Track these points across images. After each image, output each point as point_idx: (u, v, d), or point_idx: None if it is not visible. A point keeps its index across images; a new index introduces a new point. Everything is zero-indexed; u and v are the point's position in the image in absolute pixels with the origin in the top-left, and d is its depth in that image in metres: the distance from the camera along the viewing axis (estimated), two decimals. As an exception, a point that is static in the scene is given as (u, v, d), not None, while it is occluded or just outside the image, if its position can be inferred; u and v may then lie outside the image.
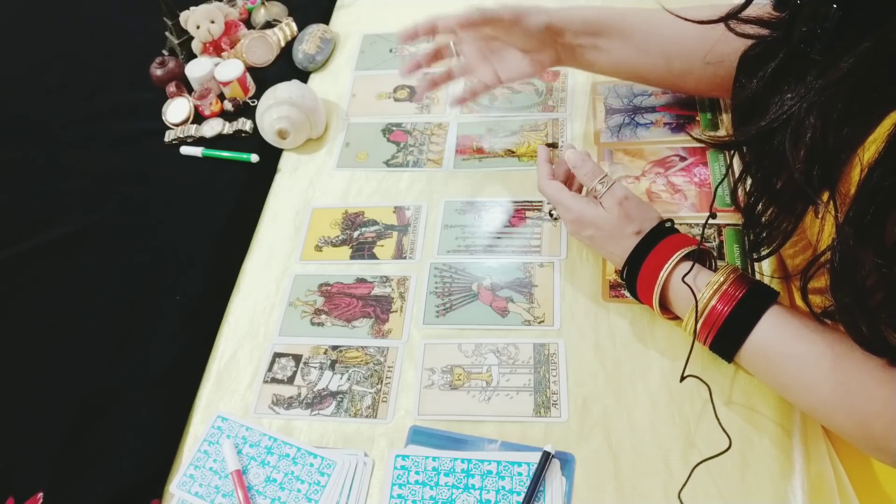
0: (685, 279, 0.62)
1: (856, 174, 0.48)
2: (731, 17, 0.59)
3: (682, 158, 0.82)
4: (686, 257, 0.63)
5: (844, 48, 0.48)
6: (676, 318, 0.66)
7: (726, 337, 0.60)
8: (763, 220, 0.60)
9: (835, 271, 0.50)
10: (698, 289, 0.61)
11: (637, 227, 0.66)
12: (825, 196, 0.50)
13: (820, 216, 0.53)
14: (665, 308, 0.66)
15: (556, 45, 0.79)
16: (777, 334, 0.58)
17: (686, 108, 0.87)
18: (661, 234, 0.65)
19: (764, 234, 0.61)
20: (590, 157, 0.71)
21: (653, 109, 0.88)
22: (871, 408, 0.52)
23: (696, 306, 0.61)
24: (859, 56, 0.47)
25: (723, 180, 0.78)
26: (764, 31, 0.59)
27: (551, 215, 0.79)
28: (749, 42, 0.61)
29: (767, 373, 0.60)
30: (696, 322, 0.61)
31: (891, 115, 0.46)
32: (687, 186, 0.79)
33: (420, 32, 0.77)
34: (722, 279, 0.60)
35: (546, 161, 0.75)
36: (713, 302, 0.60)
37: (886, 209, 0.46)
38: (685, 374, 0.62)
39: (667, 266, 0.63)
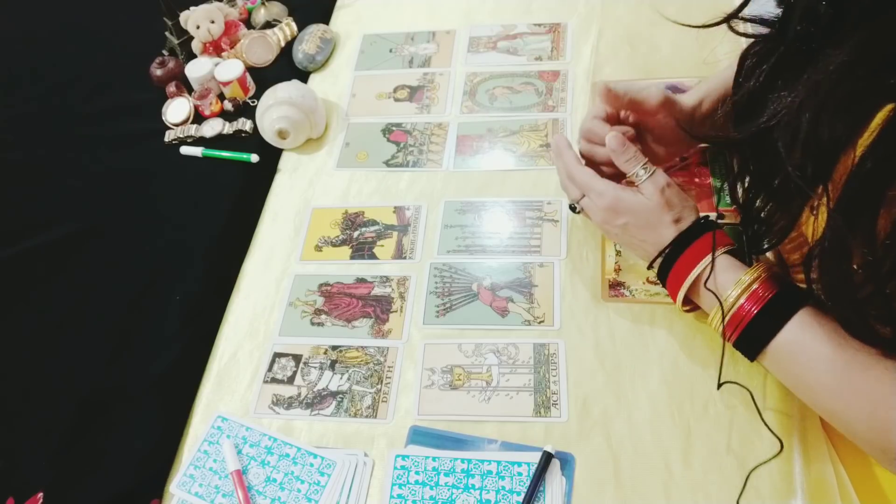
0: (707, 285, 0.61)
1: (850, 166, 0.48)
2: (731, 18, 0.60)
3: (683, 158, 0.82)
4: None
5: (835, 45, 0.48)
6: (693, 309, 0.66)
7: (750, 337, 0.60)
8: (761, 216, 0.60)
9: (824, 258, 0.50)
10: (727, 287, 0.60)
11: (676, 216, 0.64)
12: (819, 190, 0.50)
13: (815, 212, 0.53)
14: (685, 299, 0.65)
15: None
16: (802, 338, 0.57)
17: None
18: (701, 229, 0.64)
19: (762, 230, 0.61)
20: (630, 143, 0.67)
21: (653, 109, 0.87)
22: (891, 417, 0.51)
23: (721, 307, 0.60)
24: (847, 51, 0.47)
25: (723, 184, 0.77)
26: (764, 30, 0.59)
27: (573, 209, 0.72)
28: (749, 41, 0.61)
29: (790, 374, 0.59)
30: (722, 323, 0.61)
31: (884, 108, 0.46)
32: (687, 186, 0.79)
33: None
34: (752, 278, 0.59)
35: (568, 148, 0.71)
36: (741, 301, 0.59)
37: (876, 196, 0.46)
38: (721, 382, 0.62)
39: (701, 263, 0.62)
